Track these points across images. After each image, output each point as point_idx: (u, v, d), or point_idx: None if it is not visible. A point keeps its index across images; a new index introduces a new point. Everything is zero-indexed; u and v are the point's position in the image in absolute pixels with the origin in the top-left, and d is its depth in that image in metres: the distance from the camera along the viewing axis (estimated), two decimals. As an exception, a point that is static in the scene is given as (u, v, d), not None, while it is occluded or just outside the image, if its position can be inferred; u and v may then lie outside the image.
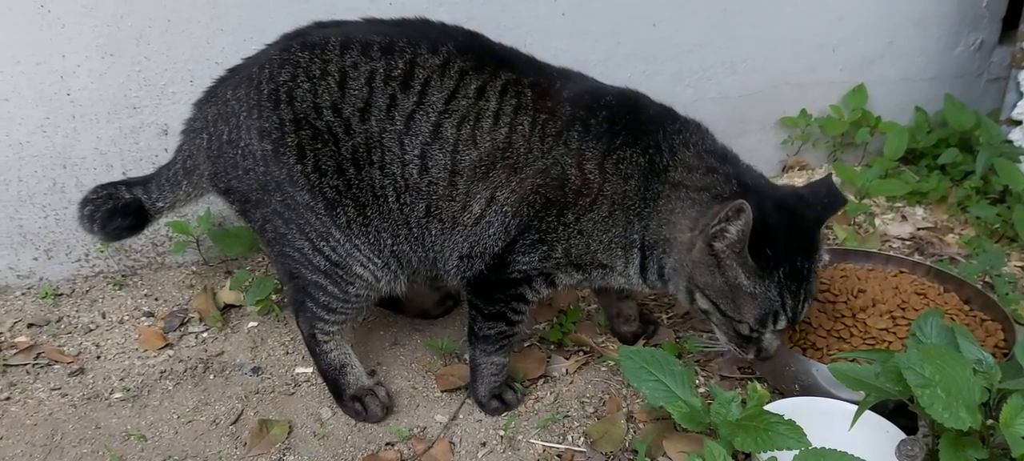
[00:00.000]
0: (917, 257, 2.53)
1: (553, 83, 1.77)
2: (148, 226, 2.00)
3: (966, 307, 2.01)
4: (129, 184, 1.97)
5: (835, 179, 2.93)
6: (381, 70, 1.70)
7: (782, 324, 1.68)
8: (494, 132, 1.70)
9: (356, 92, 1.70)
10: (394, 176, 1.72)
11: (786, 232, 1.63)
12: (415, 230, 1.78)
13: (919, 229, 2.76)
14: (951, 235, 2.72)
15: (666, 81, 2.73)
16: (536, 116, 1.72)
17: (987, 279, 2.39)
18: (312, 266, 1.79)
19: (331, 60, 1.71)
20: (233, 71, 1.84)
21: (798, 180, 3.03)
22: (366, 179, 1.72)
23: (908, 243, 2.68)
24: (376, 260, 1.80)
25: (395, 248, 1.80)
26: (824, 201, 1.73)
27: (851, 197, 2.90)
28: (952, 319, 1.92)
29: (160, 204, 1.95)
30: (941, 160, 2.96)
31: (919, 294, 2.00)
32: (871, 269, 2.13)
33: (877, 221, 2.78)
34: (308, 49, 1.72)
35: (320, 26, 1.82)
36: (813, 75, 2.95)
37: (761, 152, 3.03)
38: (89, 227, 1.93)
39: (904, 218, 2.83)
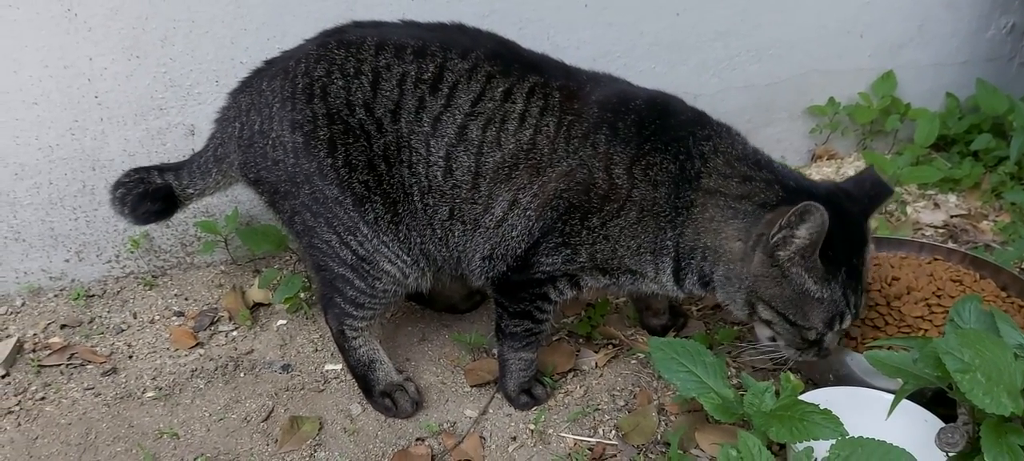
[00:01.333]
0: (951, 245, 2.48)
1: (582, 86, 1.76)
2: (177, 212, 2.02)
3: (1003, 294, 1.97)
4: (161, 169, 1.99)
5: (864, 166, 2.91)
6: (413, 73, 1.71)
7: (847, 322, 1.65)
8: (519, 133, 1.70)
9: (388, 92, 1.71)
10: (420, 176, 1.72)
11: (841, 229, 1.58)
12: (438, 231, 1.78)
13: (952, 216, 2.71)
14: (985, 222, 2.67)
15: (691, 71, 2.70)
16: (562, 118, 1.70)
17: (1023, 266, 2.35)
18: (339, 259, 1.79)
19: (366, 59, 1.72)
20: (270, 63, 1.85)
21: (827, 169, 2.99)
22: (396, 177, 1.73)
23: (941, 231, 2.63)
24: (405, 257, 1.80)
25: (423, 246, 1.80)
26: (870, 193, 1.71)
27: (885, 185, 2.86)
28: (989, 306, 1.88)
29: (190, 190, 1.97)
30: (974, 146, 2.91)
31: (954, 281, 1.96)
32: (904, 257, 2.09)
33: (909, 209, 2.74)
34: (344, 47, 1.74)
35: (358, 26, 1.83)
36: (841, 62, 2.91)
37: (789, 141, 3.00)
38: (120, 209, 1.95)
39: (937, 206, 2.78)
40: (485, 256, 1.79)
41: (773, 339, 1.73)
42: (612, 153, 1.69)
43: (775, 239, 1.56)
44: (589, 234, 1.72)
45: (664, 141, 1.70)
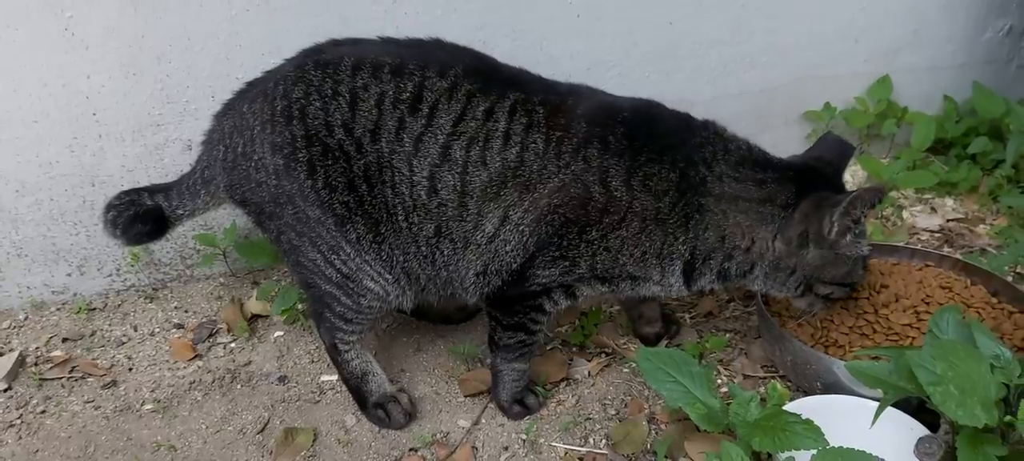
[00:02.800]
0: (946, 249, 2.49)
1: (564, 100, 1.77)
2: (168, 232, 2.04)
3: (994, 300, 1.97)
4: (151, 191, 2.02)
5: (861, 172, 2.92)
6: (391, 93, 1.72)
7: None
8: (504, 152, 1.71)
9: (366, 113, 1.72)
10: (403, 195, 1.74)
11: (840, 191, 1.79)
12: (424, 249, 1.79)
13: (949, 220, 2.71)
14: (982, 226, 2.67)
15: (685, 78, 2.72)
16: (549, 134, 1.72)
17: (1018, 270, 2.35)
18: (325, 277, 1.81)
19: (342, 80, 1.73)
20: (251, 85, 1.87)
21: (824, 174, 2.99)
22: (379, 197, 1.74)
23: (937, 235, 2.63)
24: (387, 275, 1.81)
25: (406, 265, 1.82)
26: (838, 152, 1.90)
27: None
28: (978, 313, 1.89)
29: (179, 211, 2.00)
30: (971, 149, 2.90)
31: (944, 288, 1.96)
32: (895, 263, 2.10)
33: (905, 213, 2.74)
34: (321, 68, 1.75)
35: (335, 44, 1.85)
36: (836, 67, 2.91)
37: (785, 147, 2.95)
38: (112, 231, 1.98)
39: (933, 210, 2.78)
40: (479, 272, 1.81)
41: (811, 305, 1.89)
42: (607, 167, 1.70)
43: (833, 231, 1.70)
44: (588, 247, 1.74)
45: (658, 150, 1.72)
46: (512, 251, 1.76)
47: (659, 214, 1.71)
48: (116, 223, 1.96)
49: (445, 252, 1.79)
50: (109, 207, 1.98)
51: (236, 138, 1.81)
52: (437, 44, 1.84)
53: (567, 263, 1.76)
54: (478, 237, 1.76)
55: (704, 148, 1.76)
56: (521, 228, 1.74)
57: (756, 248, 1.75)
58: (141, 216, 1.97)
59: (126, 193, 2.01)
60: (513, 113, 1.72)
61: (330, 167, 1.72)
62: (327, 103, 1.72)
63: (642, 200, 1.70)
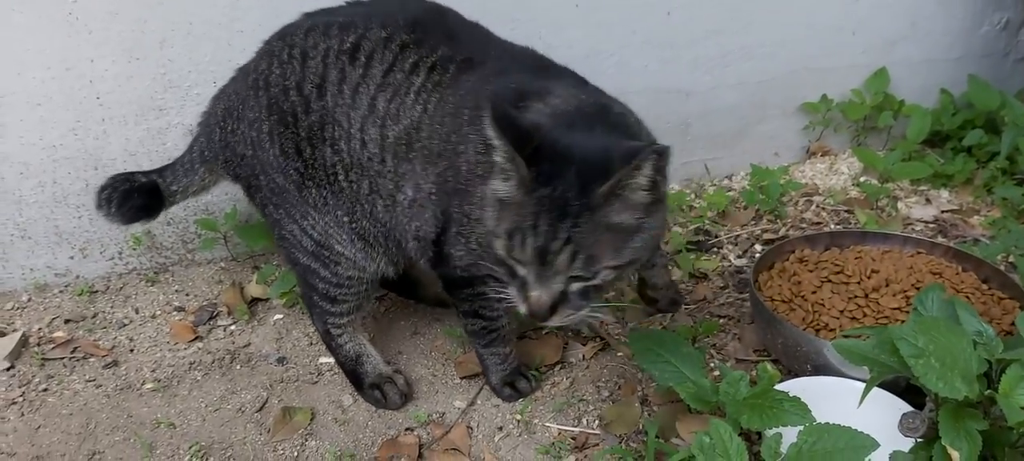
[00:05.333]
0: (940, 239, 2.51)
1: (485, 62, 1.71)
2: (163, 210, 2.07)
3: (984, 286, 2.00)
4: (146, 173, 2.06)
5: (857, 163, 2.94)
6: (334, 46, 1.73)
7: None
8: (412, 109, 1.68)
9: (313, 70, 1.73)
10: (341, 152, 1.74)
11: None
12: (365, 206, 1.78)
13: (944, 212, 2.73)
14: (976, 217, 2.69)
15: (684, 68, 2.74)
16: (444, 95, 1.68)
17: (1010, 259, 2.37)
18: (303, 248, 1.85)
19: (296, 43, 1.77)
20: (242, 67, 1.93)
21: (821, 165, 3.02)
22: (319, 159, 1.75)
23: (932, 226, 2.66)
24: (347, 237, 1.82)
25: (353, 226, 1.81)
26: None
27: (874, 181, 2.89)
28: (968, 298, 1.92)
29: (174, 187, 2.03)
30: (966, 142, 2.92)
31: (935, 274, 1.99)
32: (887, 251, 2.12)
33: (901, 205, 2.77)
34: (281, 36, 1.81)
35: (308, 15, 1.86)
36: (833, 59, 2.93)
37: (782, 138, 3.03)
38: (107, 210, 1.99)
39: (928, 201, 2.81)
40: (414, 236, 1.78)
41: None
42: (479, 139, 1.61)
43: None
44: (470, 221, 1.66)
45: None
46: (429, 220, 1.73)
47: None
48: (111, 200, 1.98)
49: (379, 210, 1.77)
50: (103, 187, 2.00)
51: (227, 118, 1.88)
52: (402, 2, 1.82)
53: (465, 240, 1.69)
54: (400, 198, 1.74)
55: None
56: (432, 194, 1.70)
57: None
58: (136, 190, 1.99)
59: (120, 174, 2.04)
60: (432, 70, 1.69)
61: (283, 133, 1.76)
62: (284, 68, 1.77)
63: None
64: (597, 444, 1.86)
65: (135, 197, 1.99)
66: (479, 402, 1.99)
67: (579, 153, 1.41)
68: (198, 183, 2.01)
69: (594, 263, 1.42)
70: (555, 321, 1.49)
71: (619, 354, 2.12)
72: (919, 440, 1.45)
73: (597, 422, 1.91)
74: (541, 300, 1.46)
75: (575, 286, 1.46)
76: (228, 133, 1.87)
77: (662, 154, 1.38)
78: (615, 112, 1.63)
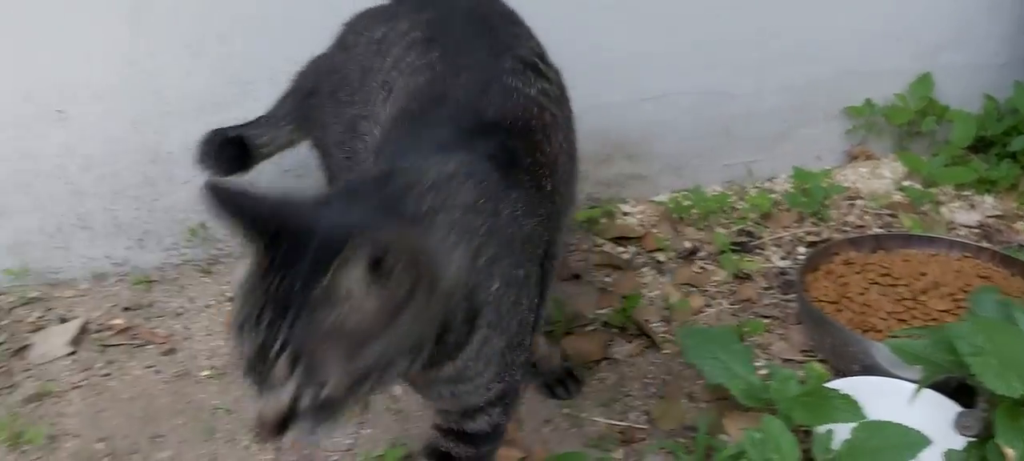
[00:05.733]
0: (984, 244, 2.50)
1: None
2: (254, 164, 2.06)
3: (1032, 290, 2.00)
4: (234, 128, 2.07)
5: (901, 167, 2.95)
6: (378, 35, 1.74)
7: None
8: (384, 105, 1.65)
9: (356, 58, 1.76)
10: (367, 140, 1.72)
11: None
12: None
13: (988, 217, 2.73)
14: (1021, 223, 2.69)
15: (727, 72, 2.76)
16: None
17: (1057, 265, 2.36)
18: None
19: (348, 32, 1.84)
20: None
21: (863, 169, 3.02)
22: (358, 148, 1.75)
23: (975, 231, 2.66)
24: None
25: None
26: None
27: (918, 186, 2.89)
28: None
29: (259, 141, 2.04)
30: (1011, 148, 2.91)
31: (983, 278, 2.00)
32: (933, 254, 2.13)
33: (944, 210, 2.77)
34: (345, 24, 1.87)
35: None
36: (877, 63, 2.93)
37: (825, 142, 3.03)
38: (206, 162, 2.00)
39: (972, 207, 2.80)
40: None
41: None
42: None
43: None
44: None
45: None
46: None
47: None
48: (208, 153, 2.01)
49: None
50: (200, 144, 2.02)
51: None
52: None
53: None
54: None
55: None
56: None
57: None
58: (229, 141, 2.02)
59: (213, 130, 2.05)
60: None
61: (334, 113, 1.80)
62: (333, 54, 1.84)
63: None
64: (644, 439, 1.89)
65: (229, 147, 2.02)
66: (527, 396, 2.02)
67: (322, 234, 1.07)
68: (285, 137, 2.04)
69: (317, 372, 1.04)
70: (288, 442, 1.28)
71: (665, 351, 2.15)
72: (972, 439, 1.46)
73: (644, 417, 1.94)
74: (263, 414, 1.08)
75: (306, 400, 1.06)
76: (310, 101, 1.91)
77: (391, 242, 1.02)
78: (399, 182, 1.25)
